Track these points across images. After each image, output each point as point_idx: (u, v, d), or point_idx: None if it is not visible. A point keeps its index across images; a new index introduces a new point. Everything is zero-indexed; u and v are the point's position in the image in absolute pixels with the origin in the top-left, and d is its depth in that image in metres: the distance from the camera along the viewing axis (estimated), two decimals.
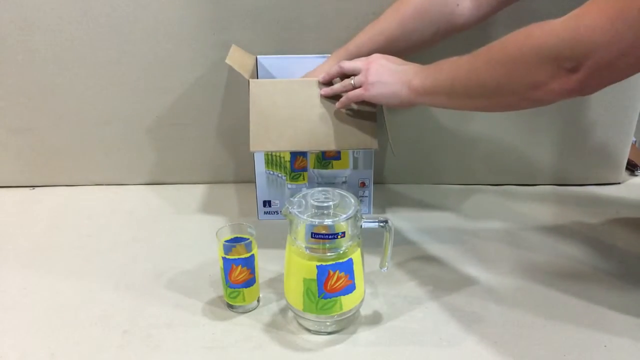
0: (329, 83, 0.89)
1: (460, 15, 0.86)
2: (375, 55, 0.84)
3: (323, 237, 0.68)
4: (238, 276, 0.74)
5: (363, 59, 0.85)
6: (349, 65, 0.86)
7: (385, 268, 0.76)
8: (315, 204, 0.70)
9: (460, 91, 0.75)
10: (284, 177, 0.97)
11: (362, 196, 0.99)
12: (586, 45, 0.60)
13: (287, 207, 0.70)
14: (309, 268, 0.69)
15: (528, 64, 0.65)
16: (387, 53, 0.85)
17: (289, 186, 0.97)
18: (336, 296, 0.70)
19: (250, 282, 0.75)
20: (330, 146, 0.89)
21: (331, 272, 0.69)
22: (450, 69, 0.75)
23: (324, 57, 0.98)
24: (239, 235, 0.76)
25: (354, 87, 0.85)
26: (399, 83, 0.80)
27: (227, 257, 0.74)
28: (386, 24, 0.88)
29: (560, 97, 0.65)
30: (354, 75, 0.85)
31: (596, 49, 0.60)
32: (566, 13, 0.63)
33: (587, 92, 0.64)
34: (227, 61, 0.89)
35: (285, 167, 0.96)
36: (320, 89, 0.89)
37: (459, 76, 0.74)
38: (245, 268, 0.74)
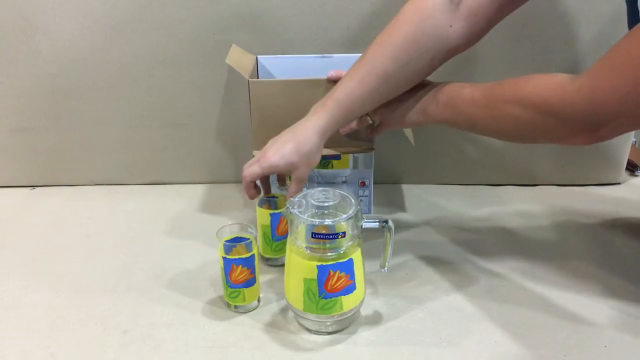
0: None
1: (454, 38, 0.77)
2: None
3: (323, 237, 0.68)
4: (238, 276, 0.74)
5: None
6: None
7: (386, 268, 0.76)
8: (316, 203, 0.70)
9: (482, 131, 0.78)
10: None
11: (362, 196, 0.99)
12: (605, 115, 0.63)
13: (288, 207, 0.70)
14: (309, 268, 0.69)
15: (549, 125, 0.67)
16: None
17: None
18: (336, 296, 0.70)
19: (250, 282, 0.75)
20: (329, 150, 0.90)
21: (331, 272, 0.69)
22: (466, 108, 0.75)
23: (324, 57, 0.98)
24: (239, 235, 0.76)
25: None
26: (413, 113, 0.80)
27: (228, 257, 0.74)
28: (374, 62, 0.77)
29: (583, 145, 0.68)
30: None
31: (614, 118, 0.62)
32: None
33: (607, 140, 0.67)
34: (227, 61, 0.89)
35: None
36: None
37: (479, 119, 0.74)
38: (245, 268, 0.74)
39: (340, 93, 0.78)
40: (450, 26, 0.77)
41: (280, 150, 0.77)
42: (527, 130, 0.70)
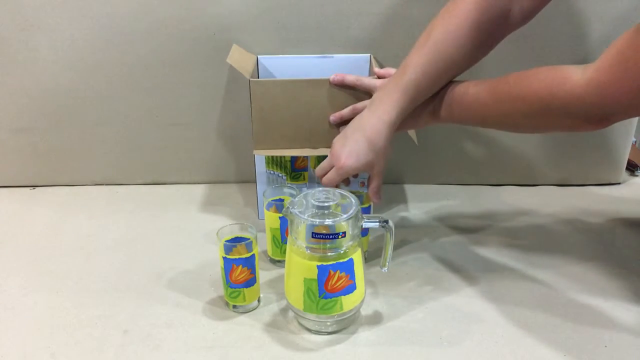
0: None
1: (513, 18, 0.79)
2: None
3: (324, 237, 0.68)
4: (239, 276, 0.74)
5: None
6: (361, 106, 0.84)
7: (386, 268, 0.76)
8: (316, 203, 0.70)
9: (494, 126, 0.79)
10: (284, 177, 0.97)
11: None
12: (614, 108, 0.64)
13: (288, 207, 0.70)
14: (309, 268, 0.69)
15: (557, 119, 0.69)
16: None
17: (290, 186, 0.97)
18: (337, 296, 0.70)
19: (250, 282, 0.75)
20: (329, 150, 0.90)
21: (332, 272, 0.69)
22: (476, 107, 0.76)
23: (324, 57, 0.98)
24: (239, 235, 0.76)
25: None
26: (421, 115, 0.81)
27: (228, 256, 0.74)
28: (440, 48, 0.76)
29: (593, 131, 0.69)
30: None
31: (622, 110, 0.64)
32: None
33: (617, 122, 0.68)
34: (228, 61, 0.89)
35: (285, 167, 0.96)
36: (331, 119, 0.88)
37: (489, 116, 0.75)
38: (245, 268, 0.74)
39: (407, 82, 0.76)
40: (510, 10, 0.78)
41: (354, 151, 0.76)
42: (538, 122, 0.72)
